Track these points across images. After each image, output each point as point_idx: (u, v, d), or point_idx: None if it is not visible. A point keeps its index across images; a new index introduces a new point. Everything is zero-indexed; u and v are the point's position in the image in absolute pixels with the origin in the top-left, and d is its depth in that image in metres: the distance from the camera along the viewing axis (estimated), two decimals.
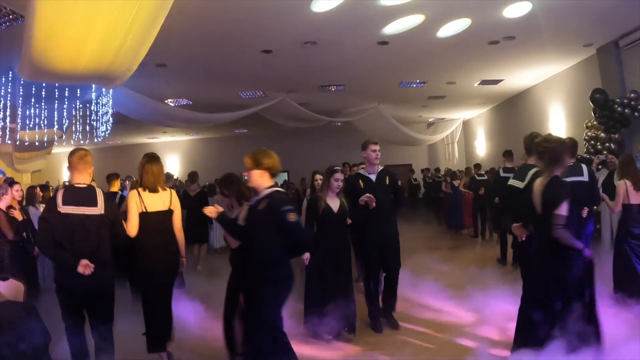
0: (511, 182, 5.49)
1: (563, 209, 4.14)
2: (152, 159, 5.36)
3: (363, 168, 6.55)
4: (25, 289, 4.97)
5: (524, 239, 4.84)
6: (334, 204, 5.87)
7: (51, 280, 6.13)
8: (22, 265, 6.63)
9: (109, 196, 5.70)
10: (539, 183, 4.39)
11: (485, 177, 13.34)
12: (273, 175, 4.36)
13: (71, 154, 4.69)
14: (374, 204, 5.98)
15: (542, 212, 4.32)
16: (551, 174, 4.36)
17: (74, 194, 4.56)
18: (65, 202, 4.47)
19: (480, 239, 13.23)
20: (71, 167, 4.68)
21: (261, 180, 4.30)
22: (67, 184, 5.10)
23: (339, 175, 5.87)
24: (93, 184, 4.86)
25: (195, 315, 6.53)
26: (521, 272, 5.51)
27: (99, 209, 4.56)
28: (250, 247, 4.29)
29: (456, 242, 13.12)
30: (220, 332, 5.05)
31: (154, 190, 5.22)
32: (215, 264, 9.64)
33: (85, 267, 4.33)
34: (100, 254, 4.52)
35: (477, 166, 14.37)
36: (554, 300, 4.20)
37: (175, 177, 17.36)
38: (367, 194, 6.00)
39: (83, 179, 4.66)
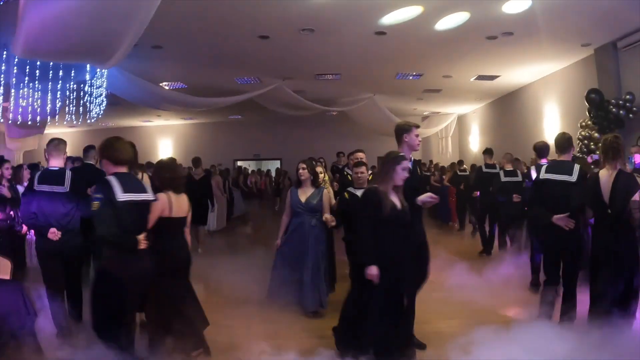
0: (557, 177, 5.56)
1: (637, 196, 4.85)
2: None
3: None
4: (12, 267, 4.97)
5: (571, 227, 5.29)
6: (396, 199, 4.58)
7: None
8: (9, 244, 6.61)
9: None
10: (606, 175, 5.07)
11: (467, 173, 13.77)
12: (116, 163, 4.36)
13: (48, 143, 5.65)
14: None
15: (612, 199, 4.98)
16: (617, 167, 5.04)
17: (48, 175, 5.52)
18: (40, 182, 5.44)
19: (463, 230, 13.72)
20: (48, 154, 5.64)
21: (107, 168, 4.43)
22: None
23: (407, 164, 4.67)
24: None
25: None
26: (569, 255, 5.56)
27: (65, 188, 5.45)
28: None
29: (440, 232, 13.25)
30: None
31: None
32: (212, 245, 11.01)
33: (53, 234, 5.24)
34: (67, 224, 5.41)
35: (460, 162, 15.00)
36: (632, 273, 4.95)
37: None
38: (430, 193, 5.06)
39: (57, 163, 5.62)
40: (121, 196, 4.20)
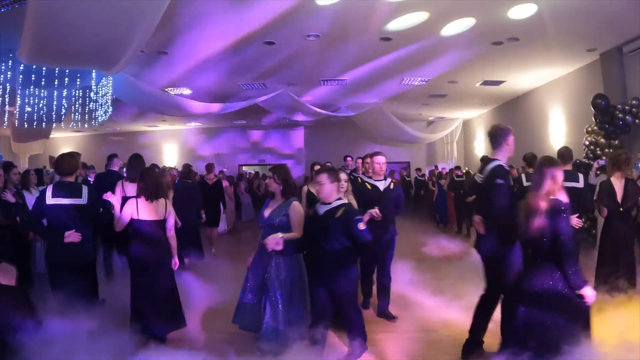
0: (567, 184, 5.98)
1: None
2: (135, 157, 7.37)
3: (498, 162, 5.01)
4: (18, 273, 4.96)
5: (581, 226, 6.53)
6: None
7: (43, 265, 7.14)
8: (15, 250, 6.60)
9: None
10: (617, 182, 6.87)
11: (463, 178, 14.37)
12: (60, 174, 5.67)
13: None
14: None
15: (623, 200, 6.82)
16: (623, 176, 6.90)
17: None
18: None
19: (461, 232, 14.36)
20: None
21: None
22: None
23: None
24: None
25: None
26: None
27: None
28: None
29: (435, 234, 13.91)
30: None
31: (132, 181, 6.88)
32: (222, 246, 12.08)
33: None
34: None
35: (457, 168, 15.77)
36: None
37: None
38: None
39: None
40: (50, 200, 5.46)
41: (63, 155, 5.79)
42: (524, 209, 4.19)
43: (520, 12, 8.72)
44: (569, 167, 6.76)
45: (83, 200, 5.60)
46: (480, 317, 5.02)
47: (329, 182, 4.89)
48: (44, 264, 7.33)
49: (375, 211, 5.91)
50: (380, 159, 6.49)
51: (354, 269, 4.97)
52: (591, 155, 10.66)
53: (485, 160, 5.58)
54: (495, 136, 5.03)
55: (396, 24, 9.35)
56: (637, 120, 10.04)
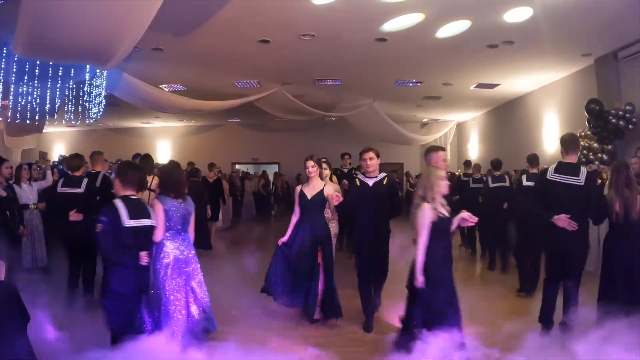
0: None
1: None
2: (145, 157, 8.30)
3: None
4: (6, 268, 4.93)
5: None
6: None
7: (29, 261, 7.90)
8: (4, 244, 6.56)
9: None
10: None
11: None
12: (72, 171, 7.06)
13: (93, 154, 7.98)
14: None
15: None
16: None
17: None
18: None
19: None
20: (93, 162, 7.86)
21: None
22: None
23: None
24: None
25: None
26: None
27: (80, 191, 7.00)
28: None
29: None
30: None
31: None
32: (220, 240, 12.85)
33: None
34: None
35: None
36: None
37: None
38: None
39: (99, 168, 7.70)
40: (59, 190, 6.91)
41: (70, 156, 7.34)
42: (623, 201, 5.24)
43: (515, 16, 8.74)
44: (535, 170, 7.95)
45: (81, 189, 6.85)
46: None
47: (114, 177, 5.12)
48: (30, 259, 7.64)
49: (468, 214, 5.04)
50: (444, 155, 5.74)
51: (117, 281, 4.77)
52: (584, 159, 10.67)
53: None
54: (575, 142, 5.73)
55: (391, 25, 9.35)
56: (630, 126, 10.07)
